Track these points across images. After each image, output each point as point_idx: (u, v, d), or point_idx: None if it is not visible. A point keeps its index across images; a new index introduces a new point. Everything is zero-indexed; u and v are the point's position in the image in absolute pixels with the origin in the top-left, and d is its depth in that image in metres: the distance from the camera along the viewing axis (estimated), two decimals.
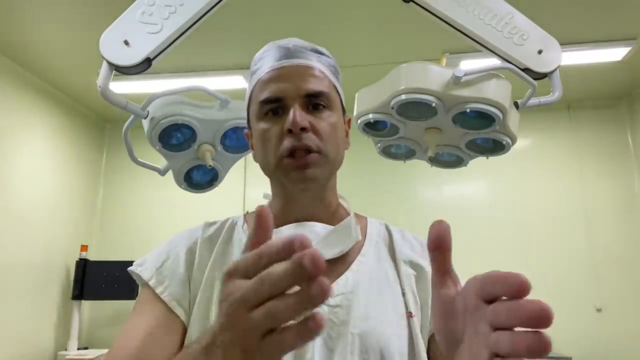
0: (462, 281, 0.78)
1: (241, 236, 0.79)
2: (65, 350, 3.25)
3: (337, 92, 0.79)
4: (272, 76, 0.74)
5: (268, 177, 0.77)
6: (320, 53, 0.80)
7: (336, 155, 0.74)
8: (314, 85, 0.73)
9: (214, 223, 0.83)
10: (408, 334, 0.70)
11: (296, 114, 0.69)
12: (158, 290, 0.73)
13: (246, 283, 0.37)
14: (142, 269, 0.77)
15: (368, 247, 0.77)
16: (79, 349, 3.28)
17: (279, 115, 0.72)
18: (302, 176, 0.71)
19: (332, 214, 0.78)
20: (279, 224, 0.76)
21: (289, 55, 0.76)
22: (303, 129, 0.69)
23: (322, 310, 0.67)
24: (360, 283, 0.72)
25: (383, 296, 0.72)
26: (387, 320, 0.69)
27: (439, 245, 0.43)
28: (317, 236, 0.73)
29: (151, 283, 0.74)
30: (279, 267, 0.35)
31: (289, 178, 0.72)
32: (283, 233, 0.74)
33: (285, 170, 0.71)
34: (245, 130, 0.84)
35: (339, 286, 0.71)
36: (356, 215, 0.83)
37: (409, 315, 0.71)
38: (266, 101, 0.73)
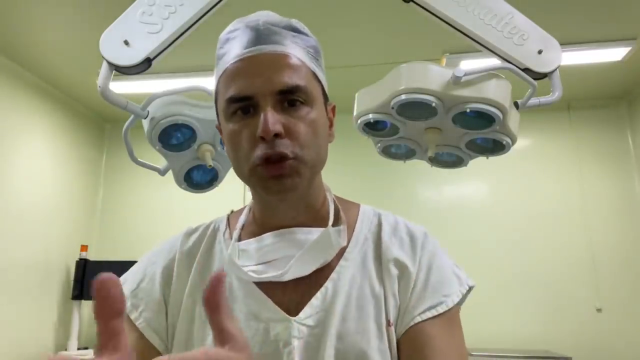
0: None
1: (222, 247, 0.73)
2: (65, 350, 3.25)
3: (319, 80, 0.69)
4: (239, 68, 0.64)
5: (241, 180, 0.69)
6: (297, 31, 0.69)
7: (317, 158, 0.66)
8: (288, 79, 0.63)
9: (195, 230, 0.77)
10: (389, 346, 0.65)
11: (268, 119, 0.60)
12: (133, 316, 0.69)
13: None
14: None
15: (352, 249, 0.71)
16: (79, 349, 3.28)
17: (250, 114, 0.63)
18: (280, 187, 0.64)
19: (317, 212, 0.72)
20: (261, 229, 0.71)
21: (260, 39, 0.65)
22: (276, 135, 0.61)
23: (302, 332, 0.64)
24: (340, 293, 0.67)
25: (364, 306, 0.67)
26: (367, 334, 0.65)
27: (210, 305, 0.36)
28: (298, 245, 0.68)
29: (128, 305, 0.70)
30: None
31: (265, 188, 0.65)
32: (264, 242, 0.70)
33: (260, 180, 0.64)
34: (216, 124, 0.74)
35: (318, 301, 0.66)
36: (346, 203, 0.77)
37: (388, 323, 0.66)
38: (233, 99, 0.64)
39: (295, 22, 0.70)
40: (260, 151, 0.62)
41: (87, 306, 3.60)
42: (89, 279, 3.35)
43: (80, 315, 3.38)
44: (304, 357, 0.63)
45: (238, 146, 0.65)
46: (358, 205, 0.79)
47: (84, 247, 3.44)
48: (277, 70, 0.63)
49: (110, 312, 0.32)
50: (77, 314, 3.32)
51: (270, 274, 0.66)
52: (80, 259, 3.40)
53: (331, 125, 0.73)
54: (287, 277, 0.65)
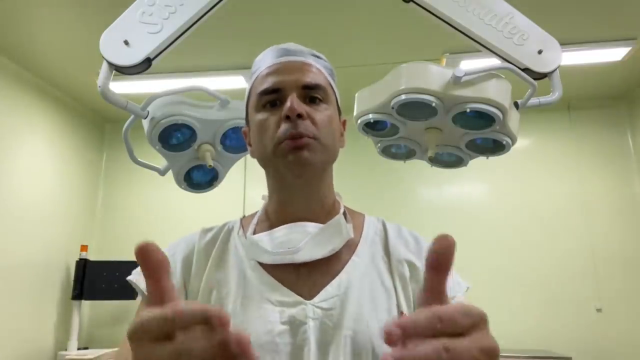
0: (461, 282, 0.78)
1: (236, 243, 0.79)
2: (65, 350, 3.24)
3: (334, 91, 0.80)
4: (272, 70, 0.76)
5: (264, 168, 0.77)
6: (318, 57, 0.81)
7: (332, 144, 0.75)
8: (311, 79, 0.75)
9: (210, 229, 0.83)
10: None
11: (293, 101, 0.71)
12: None
13: (160, 351, 0.36)
14: (139, 279, 0.76)
15: (362, 247, 0.77)
16: (79, 349, 3.28)
17: (277, 106, 0.74)
18: (299, 159, 0.70)
19: (327, 212, 0.78)
20: (274, 224, 0.77)
21: (289, 53, 0.78)
22: (300, 116, 0.70)
23: (316, 313, 0.69)
24: (353, 284, 0.72)
25: (375, 297, 0.72)
26: (379, 321, 0.69)
27: (438, 267, 0.38)
28: (309, 235, 0.74)
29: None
30: (198, 344, 0.35)
31: (285, 162, 0.72)
32: (276, 234, 0.74)
33: (282, 155, 0.71)
34: (243, 128, 0.84)
35: (333, 288, 0.71)
36: (353, 212, 0.83)
37: (400, 314, 0.71)
38: (264, 92, 0.74)
39: (316, 52, 0.83)
40: (284, 129, 0.71)
41: (87, 306, 3.60)
42: (89, 279, 3.35)
43: (80, 315, 3.38)
44: (319, 337, 0.67)
45: (265, 130, 0.73)
46: (363, 214, 0.86)
47: (84, 247, 3.44)
48: (302, 72, 0.76)
49: (158, 273, 0.38)
50: (77, 314, 3.32)
51: (283, 254, 0.72)
52: (80, 259, 3.39)
53: (342, 135, 0.81)
54: (300, 257, 0.71)
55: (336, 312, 0.69)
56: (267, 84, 0.75)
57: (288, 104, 0.70)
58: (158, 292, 0.39)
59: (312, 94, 0.74)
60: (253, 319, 0.69)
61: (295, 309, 0.69)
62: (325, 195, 0.78)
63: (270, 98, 0.74)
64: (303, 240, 0.72)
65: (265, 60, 0.79)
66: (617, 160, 3.46)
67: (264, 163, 0.76)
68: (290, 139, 0.70)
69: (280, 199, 0.78)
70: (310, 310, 0.69)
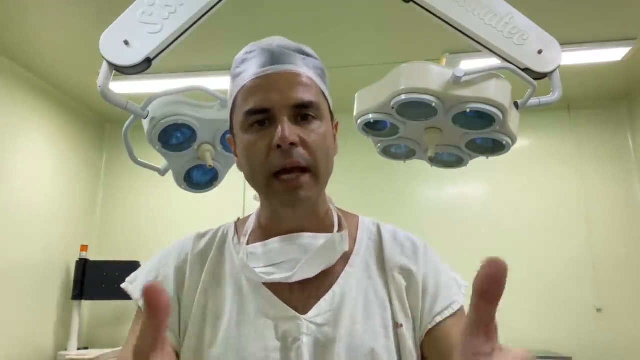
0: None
1: (232, 250, 0.77)
2: (65, 350, 3.24)
3: (325, 97, 0.75)
4: (258, 84, 0.70)
5: (255, 190, 0.74)
6: (306, 54, 0.75)
7: (327, 170, 0.71)
8: (302, 95, 0.69)
9: (205, 234, 0.80)
10: (396, 346, 0.69)
11: (285, 129, 0.65)
12: None
13: None
14: (132, 287, 0.76)
15: (356, 256, 0.75)
16: (79, 349, 3.28)
17: (266, 126, 0.68)
18: (294, 199, 0.68)
19: (320, 220, 0.76)
20: (268, 235, 0.75)
21: (274, 60, 0.71)
22: (292, 144, 0.66)
23: (310, 329, 0.68)
24: (347, 297, 0.71)
25: (370, 309, 0.71)
26: (375, 334, 0.68)
27: (489, 294, 0.35)
28: (304, 249, 0.71)
29: (140, 304, 0.72)
30: None
31: (279, 200, 0.69)
32: (270, 246, 0.73)
33: (275, 193, 0.69)
34: (228, 137, 0.80)
35: (326, 303, 0.70)
36: (346, 215, 0.81)
37: (397, 325, 0.70)
38: (252, 112, 0.69)
39: (304, 47, 0.76)
40: (276, 160, 0.67)
41: (87, 306, 3.60)
42: (89, 279, 3.35)
43: (80, 315, 3.38)
44: (313, 353, 0.67)
45: (254, 156, 0.69)
46: (357, 216, 0.83)
47: (84, 247, 3.44)
48: (292, 86, 0.69)
49: (162, 322, 0.39)
50: (77, 314, 3.32)
51: (278, 275, 0.70)
52: (80, 259, 3.39)
53: (334, 140, 0.77)
54: (295, 279, 0.69)
55: (330, 327, 0.68)
56: (254, 102, 0.69)
57: (279, 132, 0.65)
58: (151, 338, 0.39)
59: (304, 112, 0.69)
60: (248, 335, 0.68)
61: (290, 324, 0.68)
62: (319, 208, 0.76)
63: (258, 118, 0.68)
64: (297, 265, 0.69)
65: (248, 65, 0.73)
66: (617, 161, 3.46)
67: (254, 188, 0.73)
68: (283, 178, 0.67)
69: (272, 216, 0.75)
70: (304, 325, 0.68)
